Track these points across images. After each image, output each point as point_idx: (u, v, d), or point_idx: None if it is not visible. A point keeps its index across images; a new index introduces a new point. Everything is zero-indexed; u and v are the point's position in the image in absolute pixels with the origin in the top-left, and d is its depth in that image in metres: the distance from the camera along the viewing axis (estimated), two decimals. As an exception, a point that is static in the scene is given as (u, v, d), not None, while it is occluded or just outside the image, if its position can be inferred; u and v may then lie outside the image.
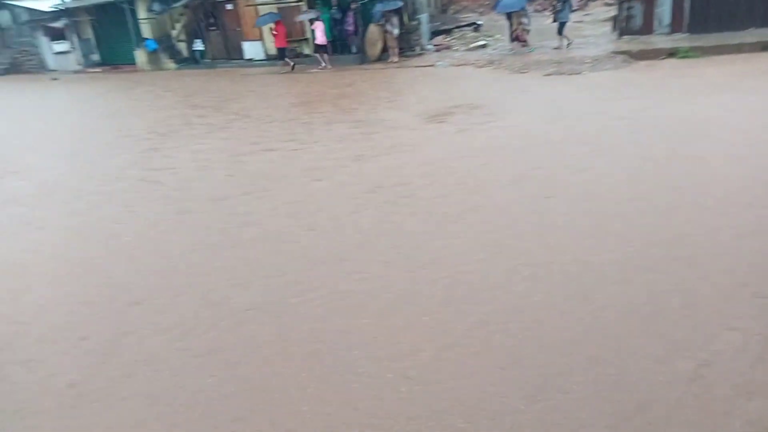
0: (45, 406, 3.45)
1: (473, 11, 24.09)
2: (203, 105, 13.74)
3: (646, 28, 15.42)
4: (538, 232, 5.17)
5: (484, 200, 6.06)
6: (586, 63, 13.53)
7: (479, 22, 20.81)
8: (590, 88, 11.36)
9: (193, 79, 18.82)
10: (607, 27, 17.70)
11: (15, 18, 28.75)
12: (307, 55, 19.32)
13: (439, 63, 15.94)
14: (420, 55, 17.78)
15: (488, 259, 4.76)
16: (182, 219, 6.39)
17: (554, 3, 15.87)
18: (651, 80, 11.53)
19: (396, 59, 17.17)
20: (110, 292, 4.76)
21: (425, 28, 18.95)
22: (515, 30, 16.17)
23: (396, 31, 17.05)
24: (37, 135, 12.13)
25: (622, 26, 15.87)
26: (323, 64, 17.52)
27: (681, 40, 14.42)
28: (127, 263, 5.32)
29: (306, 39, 19.17)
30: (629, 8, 15.60)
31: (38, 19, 25.93)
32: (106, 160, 9.36)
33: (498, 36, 18.37)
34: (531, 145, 7.76)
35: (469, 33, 19.92)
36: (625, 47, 14.60)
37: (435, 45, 18.74)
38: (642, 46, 14.32)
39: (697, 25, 14.78)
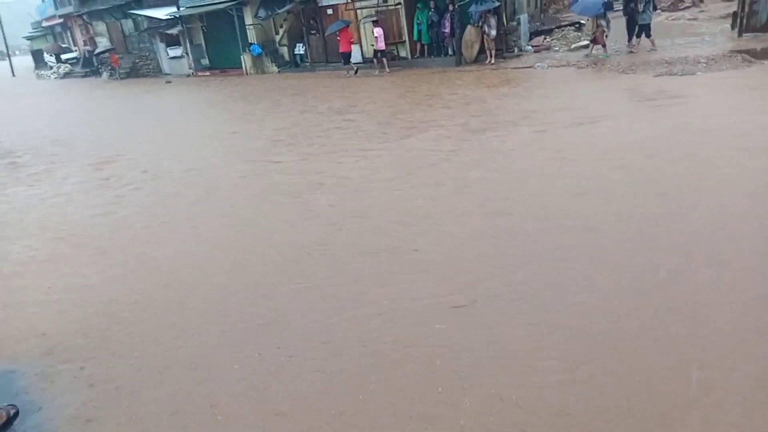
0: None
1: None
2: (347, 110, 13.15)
3: (772, 25, 14.16)
4: None
5: None
6: (701, 63, 12.61)
7: (582, 22, 20.02)
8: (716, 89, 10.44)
9: (299, 81, 19.40)
10: (726, 24, 16.44)
11: (137, 26, 31.28)
12: (403, 57, 19.49)
13: (539, 64, 15.50)
14: (518, 56, 17.40)
15: None
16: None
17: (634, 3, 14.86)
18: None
19: (493, 61, 16.92)
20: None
21: (524, 28, 18.52)
22: (595, 32, 15.49)
23: (493, 32, 16.80)
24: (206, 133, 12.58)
25: (743, 23, 14.66)
26: (386, 69, 18.32)
27: (813, 37, 13.13)
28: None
29: (404, 41, 19.31)
30: (752, 3, 14.38)
31: (156, 27, 28.05)
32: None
33: (602, 35, 17.57)
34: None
35: (571, 33, 19.23)
36: (746, 46, 13.49)
37: (534, 46, 18.26)
38: (767, 44, 13.16)
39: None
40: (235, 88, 20.01)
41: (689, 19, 19.85)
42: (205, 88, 21.75)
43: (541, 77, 13.99)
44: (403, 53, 19.59)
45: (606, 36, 15.29)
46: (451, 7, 17.39)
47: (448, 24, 17.81)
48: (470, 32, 17.36)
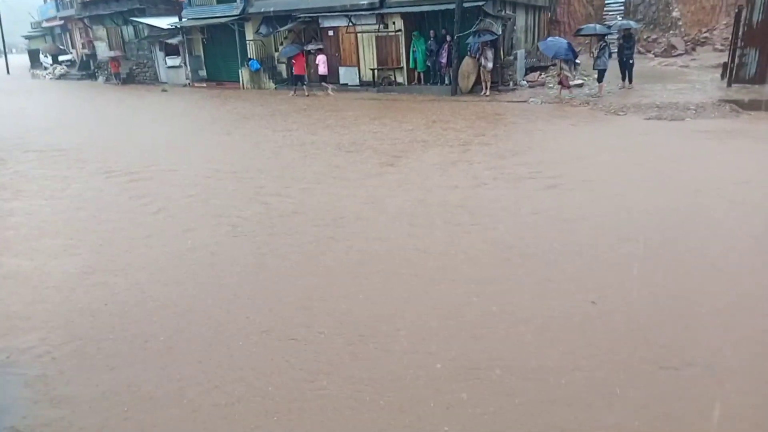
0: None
1: (571, 50, 23.64)
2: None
3: (760, 78, 14.50)
4: None
5: None
6: (690, 110, 12.87)
7: (577, 61, 20.41)
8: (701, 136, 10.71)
9: (303, 99, 19.65)
10: (716, 74, 16.84)
11: (137, 33, 31.39)
12: (399, 83, 19.69)
13: (533, 100, 15.74)
14: (513, 90, 17.66)
15: None
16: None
17: (592, 50, 15.92)
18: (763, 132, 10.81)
19: (488, 93, 17.16)
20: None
21: (521, 63, 18.84)
22: (559, 74, 16.08)
23: (490, 65, 17.07)
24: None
25: (733, 74, 15.03)
26: (330, 92, 20.20)
27: (799, 92, 13.48)
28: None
29: (401, 67, 19.54)
30: (742, 55, 14.77)
31: (157, 36, 28.15)
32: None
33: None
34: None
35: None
36: (734, 96, 13.81)
37: (529, 81, 18.56)
38: (754, 96, 13.48)
39: (819, 77, 13.76)
40: (234, 101, 20.10)
41: (681, 66, 20.30)
42: (203, 98, 21.80)
43: (534, 112, 14.20)
44: (400, 79, 19.80)
45: (570, 78, 15.99)
46: (449, 38, 17.66)
47: (445, 54, 18.05)
48: (467, 63, 17.62)
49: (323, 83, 20.57)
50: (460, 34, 17.31)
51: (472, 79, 17.76)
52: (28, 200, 8.37)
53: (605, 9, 26.16)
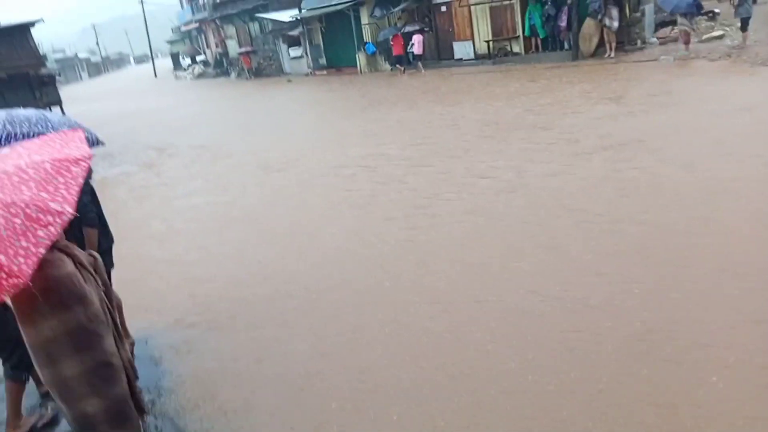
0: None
1: (710, -2, 21.36)
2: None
3: None
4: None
5: None
6: None
7: (716, 11, 18.43)
8: None
9: (417, 79, 19.62)
10: None
11: (262, 29, 33.29)
12: (516, 53, 19.10)
13: (663, 57, 14.53)
14: (641, 49, 16.40)
15: None
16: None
17: None
18: None
19: (613, 54, 16.09)
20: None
21: (649, 19, 17.41)
22: (681, 31, 14.83)
23: (615, 24, 15.98)
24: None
25: None
26: (422, 71, 20.77)
27: None
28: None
29: (517, 36, 18.92)
30: None
31: (279, 29, 29.70)
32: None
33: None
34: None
35: (703, 23, 17.75)
36: None
37: (660, 38, 17.10)
38: None
39: None
40: (362, 86, 20.60)
41: None
42: (330, 85, 22.66)
43: (667, 71, 13.11)
44: (516, 49, 19.19)
45: (689, 34, 14.73)
46: (569, 0, 16.75)
47: (565, 17, 17.16)
48: (589, 25, 16.63)
49: (419, 63, 21.16)
50: (580, -5, 16.38)
51: (595, 41, 16.74)
52: (222, 195, 8.42)
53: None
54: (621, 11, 16.24)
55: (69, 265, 2.36)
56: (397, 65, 21.66)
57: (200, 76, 41.52)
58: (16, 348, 3.14)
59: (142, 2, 53.72)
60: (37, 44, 17.51)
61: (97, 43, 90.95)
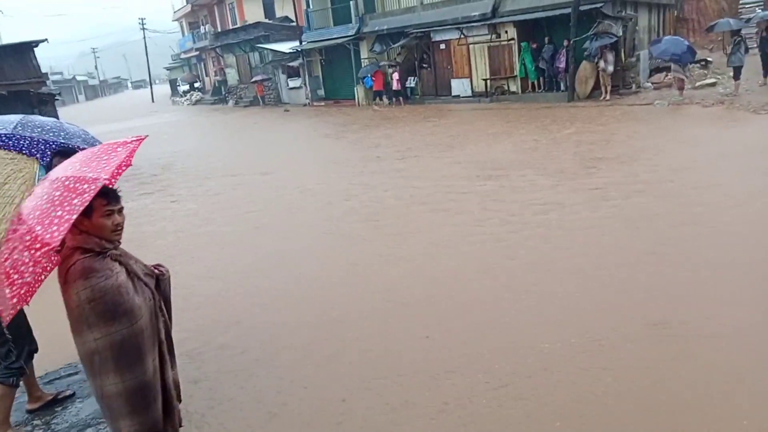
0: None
1: (702, 47, 21.99)
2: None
3: None
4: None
5: None
6: None
7: (709, 59, 18.98)
8: None
9: (415, 113, 19.93)
10: None
11: (262, 59, 33.74)
12: (513, 92, 19.43)
13: (658, 102, 14.82)
14: (635, 93, 16.76)
15: None
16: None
17: (726, 46, 14.70)
18: None
19: (608, 97, 16.42)
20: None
21: (644, 65, 17.86)
22: (674, 77, 15.33)
23: (610, 68, 16.34)
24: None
25: None
26: (402, 105, 22.53)
27: None
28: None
29: (514, 76, 19.29)
30: None
31: (279, 60, 30.11)
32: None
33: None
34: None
35: (696, 70, 18.24)
36: None
37: (654, 83, 17.51)
38: None
39: None
40: (364, 120, 20.84)
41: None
42: (328, 116, 22.86)
43: (659, 115, 13.36)
44: (513, 88, 19.54)
45: (682, 81, 15.06)
46: (566, 42, 17.15)
47: (563, 59, 17.54)
48: (585, 68, 17.00)
49: (394, 98, 22.98)
50: (577, 38, 16.77)
51: (591, 83, 17.09)
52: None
53: (741, 2, 24.10)
54: (617, 55, 16.65)
55: (119, 276, 2.31)
56: (377, 99, 23.70)
57: (197, 102, 41.84)
58: (7, 351, 3.15)
59: (143, 29, 54.47)
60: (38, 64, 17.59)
61: (96, 67, 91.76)
